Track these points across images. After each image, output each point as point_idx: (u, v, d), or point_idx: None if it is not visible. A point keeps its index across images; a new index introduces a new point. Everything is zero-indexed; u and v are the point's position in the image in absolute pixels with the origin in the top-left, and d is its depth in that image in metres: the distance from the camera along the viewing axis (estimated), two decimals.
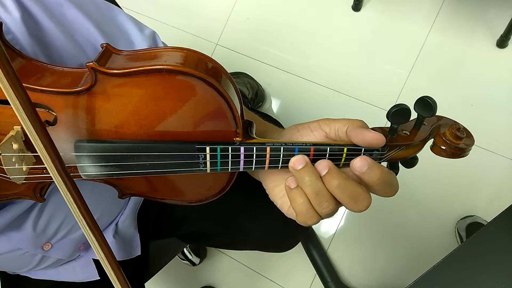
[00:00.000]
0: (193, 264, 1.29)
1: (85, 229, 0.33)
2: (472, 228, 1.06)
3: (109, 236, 0.63)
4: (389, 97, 1.22)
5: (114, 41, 0.47)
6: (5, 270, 0.63)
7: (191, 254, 1.28)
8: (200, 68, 0.33)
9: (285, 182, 0.36)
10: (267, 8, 1.37)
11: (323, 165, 0.34)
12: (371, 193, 0.36)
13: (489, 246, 0.50)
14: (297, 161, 0.34)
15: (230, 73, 0.36)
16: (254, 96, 1.26)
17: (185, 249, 1.27)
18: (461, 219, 1.12)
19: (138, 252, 0.70)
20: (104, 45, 0.35)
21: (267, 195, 0.42)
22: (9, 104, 0.33)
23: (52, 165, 0.29)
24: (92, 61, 0.31)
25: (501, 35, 1.13)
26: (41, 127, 0.28)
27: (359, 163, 0.33)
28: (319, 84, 1.29)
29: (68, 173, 0.30)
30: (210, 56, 0.35)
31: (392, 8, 1.26)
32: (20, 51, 0.37)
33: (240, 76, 1.30)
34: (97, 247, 0.34)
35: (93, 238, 0.33)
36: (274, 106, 1.33)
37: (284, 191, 0.40)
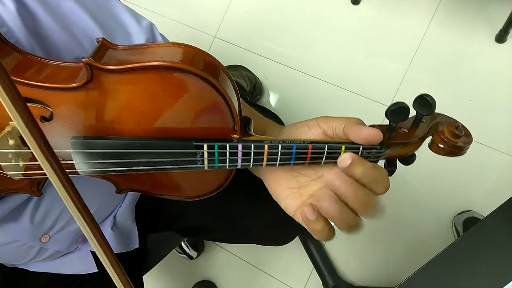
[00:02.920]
0: (191, 257, 1.30)
1: (82, 225, 0.33)
2: (469, 223, 1.06)
3: (107, 228, 0.63)
4: (388, 91, 1.22)
5: (111, 33, 0.47)
6: (2, 263, 0.63)
7: (188, 248, 1.28)
8: (198, 65, 0.32)
9: (301, 214, 0.37)
10: (265, 1, 1.36)
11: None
12: None
13: (487, 239, 0.51)
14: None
15: (227, 66, 0.36)
16: (252, 89, 1.26)
17: (182, 243, 1.28)
18: (458, 214, 1.13)
19: (136, 245, 0.70)
20: (100, 39, 0.34)
21: (265, 189, 0.42)
22: None
23: (46, 162, 0.29)
24: (87, 57, 0.31)
25: (500, 30, 1.13)
26: (33, 124, 0.28)
27: (342, 158, 0.35)
28: (317, 78, 1.28)
29: (64, 171, 0.30)
30: (207, 50, 0.35)
31: (391, 2, 1.25)
32: (15, 44, 0.36)
33: (237, 69, 1.29)
34: (94, 242, 0.34)
35: (91, 233, 0.33)
36: (271, 99, 1.33)
37: (287, 191, 0.40)
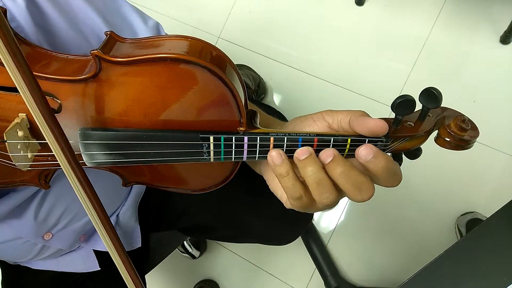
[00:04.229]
0: (193, 257, 1.30)
1: (93, 216, 0.33)
2: (472, 225, 1.06)
3: None
4: (391, 93, 1.22)
5: (118, 32, 0.47)
6: (5, 260, 0.63)
7: (191, 247, 1.28)
8: (205, 57, 0.33)
9: (268, 157, 0.35)
10: (269, 2, 1.37)
11: (328, 153, 0.34)
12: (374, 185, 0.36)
13: (491, 239, 0.51)
14: (301, 152, 0.34)
15: None
16: (257, 87, 1.26)
17: (185, 242, 1.28)
18: (461, 215, 1.13)
19: (138, 244, 0.70)
20: (109, 32, 0.35)
21: (268, 188, 0.42)
22: (14, 92, 0.33)
23: (62, 154, 0.29)
24: (96, 49, 0.31)
25: (504, 31, 1.13)
26: (51, 115, 0.28)
27: (365, 151, 0.33)
28: (321, 78, 1.28)
29: (78, 161, 0.30)
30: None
31: (395, 3, 1.25)
32: (25, 38, 0.37)
33: (242, 68, 1.30)
34: (105, 235, 0.34)
35: (101, 226, 0.33)
36: (275, 99, 1.33)
37: None
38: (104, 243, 0.34)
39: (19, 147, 0.33)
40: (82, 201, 0.32)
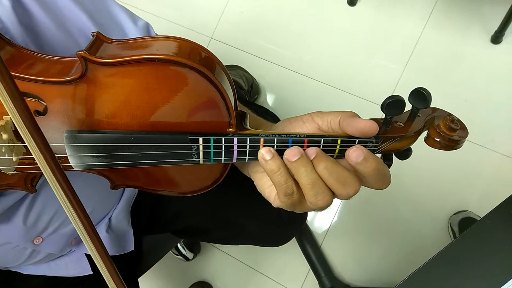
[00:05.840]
0: (187, 259, 1.29)
1: (76, 224, 0.32)
2: (465, 223, 1.07)
3: (102, 231, 0.63)
4: (384, 92, 1.22)
5: (107, 32, 0.46)
6: None
7: (184, 249, 1.28)
8: (193, 58, 0.32)
9: (258, 154, 0.35)
10: (262, 2, 1.37)
11: (311, 151, 0.34)
12: (364, 186, 0.36)
13: (485, 240, 0.51)
14: (292, 153, 0.34)
15: (225, 66, 0.35)
16: (250, 88, 1.26)
17: (178, 244, 1.27)
18: (454, 214, 1.13)
19: (131, 247, 0.69)
20: (95, 33, 0.34)
21: None
22: None
23: (42, 157, 0.29)
24: (82, 50, 0.31)
25: (495, 31, 1.14)
26: (30, 118, 0.28)
27: (355, 153, 0.33)
28: (314, 78, 1.28)
29: (59, 165, 0.30)
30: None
31: (387, 3, 1.26)
32: (10, 40, 0.36)
33: (235, 68, 1.29)
34: (88, 241, 0.33)
35: (85, 233, 0.33)
36: (268, 100, 1.33)
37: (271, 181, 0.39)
38: (86, 246, 0.34)
39: (3, 150, 0.32)
40: (64, 205, 0.31)
